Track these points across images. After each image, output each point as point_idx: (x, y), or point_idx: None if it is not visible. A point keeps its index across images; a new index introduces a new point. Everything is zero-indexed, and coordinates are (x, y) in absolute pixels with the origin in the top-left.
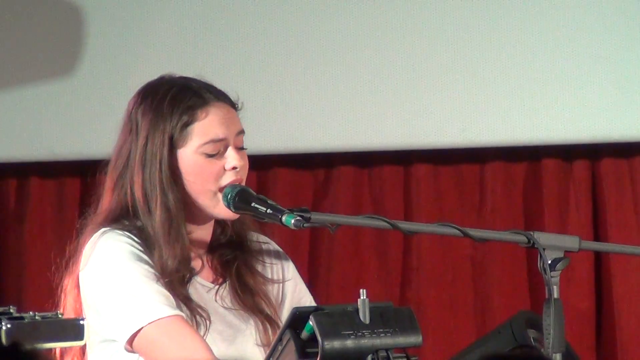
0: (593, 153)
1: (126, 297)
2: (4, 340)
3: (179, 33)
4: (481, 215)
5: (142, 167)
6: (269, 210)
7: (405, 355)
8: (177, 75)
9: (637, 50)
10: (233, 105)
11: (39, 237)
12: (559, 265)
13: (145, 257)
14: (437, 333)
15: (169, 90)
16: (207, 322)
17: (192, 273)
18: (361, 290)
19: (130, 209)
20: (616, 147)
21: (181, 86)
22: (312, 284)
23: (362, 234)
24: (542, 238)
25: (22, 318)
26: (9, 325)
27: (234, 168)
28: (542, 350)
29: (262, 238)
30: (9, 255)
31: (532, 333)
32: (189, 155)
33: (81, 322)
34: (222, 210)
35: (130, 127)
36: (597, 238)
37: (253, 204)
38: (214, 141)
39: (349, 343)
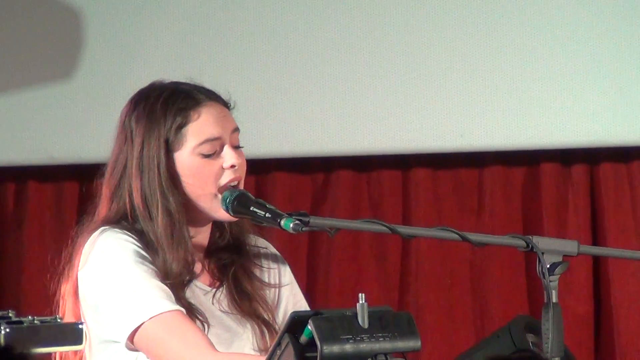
0: (591, 157)
1: (126, 294)
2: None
3: (177, 37)
4: (480, 220)
5: (140, 174)
6: (267, 214)
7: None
8: (167, 81)
9: (635, 55)
10: (225, 104)
11: (37, 241)
12: (557, 270)
13: (144, 254)
14: (436, 337)
15: (160, 95)
16: (205, 325)
17: (192, 277)
18: (360, 295)
19: (129, 216)
20: (615, 152)
21: (172, 90)
22: (310, 288)
23: (360, 238)
24: (540, 242)
25: (21, 322)
26: (7, 330)
27: (233, 166)
28: (542, 354)
29: (261, 242)
30: (8, 259)
31: (530, 337)
32: (186, 158)
33: (80, 326)
34: (222, 213)
35: (125, 135)
36: (595, 242)
37: (252, 208)
38: (209, 140)
39: (348, 347)
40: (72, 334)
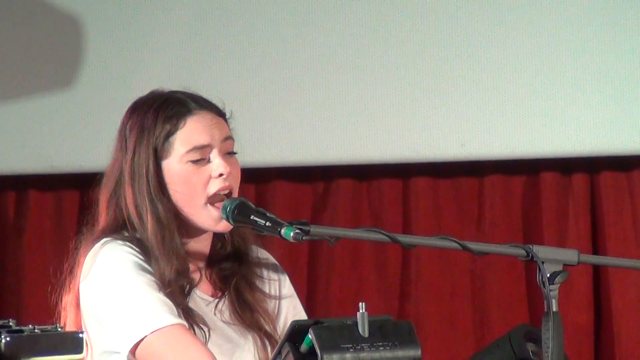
0: (592, 166)
1: (128, 307)
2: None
3: (177, 46)
4: (480, 229)
5: (131, 182)
6: (268, 223)
7: None
8: (167, 90)
9: (635, 64)
10: (219, 113)
11: (38, 250)
12: (557, 279)
13: (146, 266)
14: (436, 346)
15: (153, 104)
16: (207, 334)
17: (192, 285)
18: (360, 304)
19: (127, 223)
20: (615, 161)
21: (166, 98)
22: (311, 297)
23: (361, 247)
24: (540, 251)
25: (21, 331)
26: (8, 339)
27: (221, 175)
28: None
29: (262, 253)
30: (8, 267)
31: (531, 346)
32: (174, 166)
33: (80, 335)
34: (210, 222)
35: (120, 144)
36: (595, 251)
37: (252, 217)
38: (197, 148)
39: (348, 357)
40: (73, 343)
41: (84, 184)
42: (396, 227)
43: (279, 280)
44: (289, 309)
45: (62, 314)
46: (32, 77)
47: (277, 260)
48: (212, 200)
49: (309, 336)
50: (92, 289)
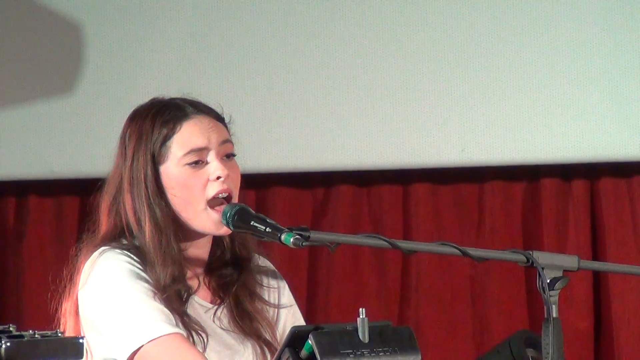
0: (592, 172)
1: (126, 315)
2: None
3: (178, 53)
4: (480, 235)
5: (130, 188)
6: (268, 229)
7: None
8: (166, 97)
9: (635, 71)
10: (218, 117)
11: (38, 255)
12: (557, 285)
13: (144, 275)
14: (436, 352)
15: (151, 110)
16: (205, 340)
17: (190, 292)
18: (360, 309)
19: (126, 230)
20: (615, 167)
21: (164, 104)
22: (311, 303)
23: (361, 252)
24: (541, 257)
25: (21, 336)
26: (8, 344)
27: (218, 177)
28: None
29: (262, 260)
30: (8, 273)
31: (530, 352)
32: (172, 170)
33: (80, 340)
34: (210, 226)
35: (121, 151)
36: (596, 257)
37: (252, 223)
38: (193, 151)
39: None
40: (73, 348)
41: (84, 189)
42: (396, 232)
43: (279, 288)
44: (287, 316)
45: (62, 320)
46: (33, 83)
47: (276, 266)
48: (211, 203)
49: (309, 342)
50: (90, 297)
